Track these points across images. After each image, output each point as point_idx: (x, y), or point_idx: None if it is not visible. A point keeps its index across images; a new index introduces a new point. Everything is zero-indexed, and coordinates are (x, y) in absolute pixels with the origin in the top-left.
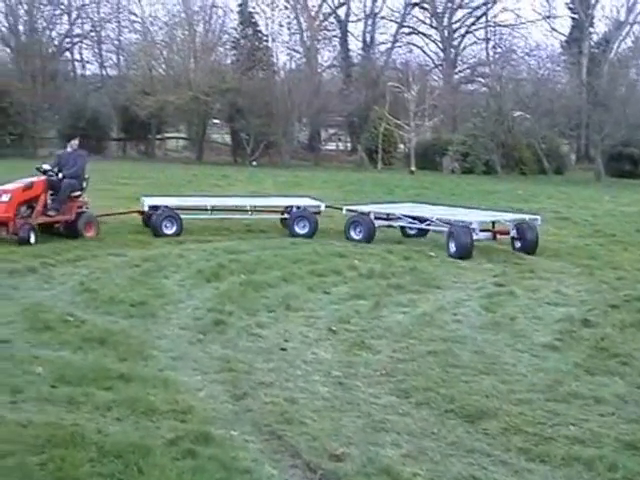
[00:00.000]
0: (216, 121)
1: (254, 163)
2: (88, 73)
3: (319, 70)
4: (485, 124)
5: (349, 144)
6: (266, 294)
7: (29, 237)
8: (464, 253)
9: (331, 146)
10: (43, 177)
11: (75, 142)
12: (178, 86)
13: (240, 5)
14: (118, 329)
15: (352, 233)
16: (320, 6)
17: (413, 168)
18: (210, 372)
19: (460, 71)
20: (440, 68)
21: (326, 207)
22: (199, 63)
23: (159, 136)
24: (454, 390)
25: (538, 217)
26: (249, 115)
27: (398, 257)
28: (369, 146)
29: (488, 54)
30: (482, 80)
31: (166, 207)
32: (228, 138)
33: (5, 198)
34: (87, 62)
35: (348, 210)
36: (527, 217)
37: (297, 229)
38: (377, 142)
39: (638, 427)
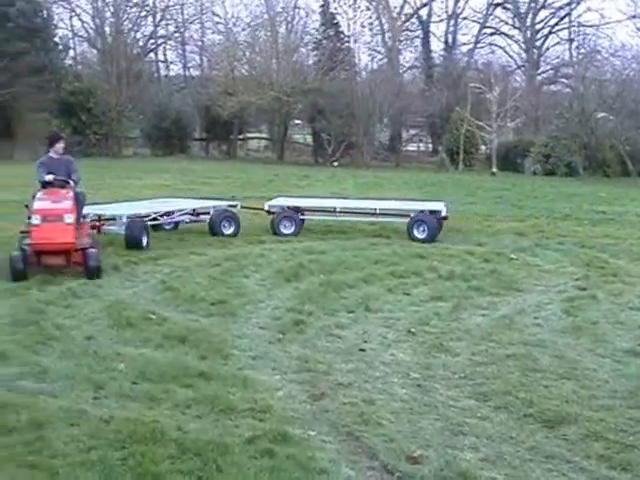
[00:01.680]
0: (297, 121)
1: (335, 163)
2: (172, 74)
3: (401, 71)
4: (568, 125)
5: (430, 145)
6: (345, 295)
7: (100, 266)
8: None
9: (412, 147)
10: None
11: (60, 145)
12: (260, 87)
13: (322, 6)
14: (198, 327)
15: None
16: (402, 7)
17: (494, 169)
18: (289, 372)
19: (543, 72)
20: (522, 69)
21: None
22: (281, 64)
23: (241, 136)
24: (533, 394)
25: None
26: (330, 115)
27: (478, 259)
28: (450, 147)
29: (571, 55)
30: (565, 81)
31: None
32: (309, 138)
33: (69, 219)
34: (171, 63)
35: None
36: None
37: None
38: (458, 143)
39: None
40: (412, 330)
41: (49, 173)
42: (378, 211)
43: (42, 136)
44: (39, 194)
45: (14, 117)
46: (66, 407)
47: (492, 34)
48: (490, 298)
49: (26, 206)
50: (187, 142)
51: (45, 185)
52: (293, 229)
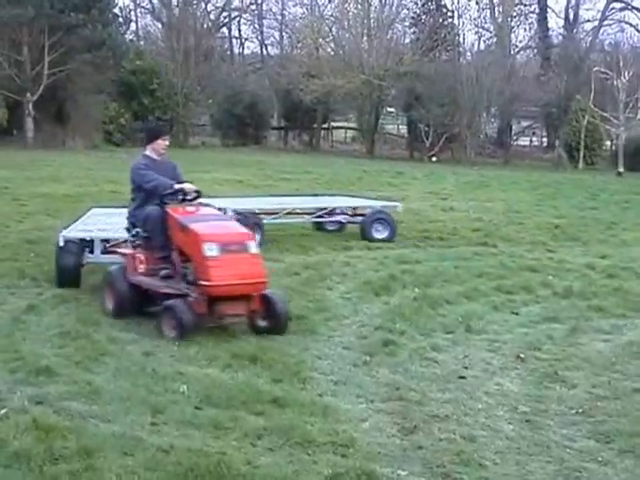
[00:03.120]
0: (391, 110)
1: (434, 159)
2: (247, 52)
3: (512, 52)
4: None
5: (545, 139)
6: (443, 312)
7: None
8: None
9: (524, 141)
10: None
11: (164, 143)
12: (348, 68)
13: None
14: (273, 346)
15: None
16: None
17: (621, 169)
18: (376, 400)
19: None
20: None
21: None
22: (373, 42)
23: (325, 125)
24: None
25: (397, 204)
26: (429, 103)
27: (601, 274)
28: (569, 142)
29: None
30: None
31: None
32: (404, 129)
33: (255, 249)
34: (246, 39)
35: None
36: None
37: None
38: (579, 138)
39: None
40: (521, 356)
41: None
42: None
43: (97, 121)
44: (177, 212)
45: (67, 99)
46: (120, 433)
47: (622, 9)
48: (614, 320)
49: (127, 229)
50: (263, 131)
51: (164, 199)
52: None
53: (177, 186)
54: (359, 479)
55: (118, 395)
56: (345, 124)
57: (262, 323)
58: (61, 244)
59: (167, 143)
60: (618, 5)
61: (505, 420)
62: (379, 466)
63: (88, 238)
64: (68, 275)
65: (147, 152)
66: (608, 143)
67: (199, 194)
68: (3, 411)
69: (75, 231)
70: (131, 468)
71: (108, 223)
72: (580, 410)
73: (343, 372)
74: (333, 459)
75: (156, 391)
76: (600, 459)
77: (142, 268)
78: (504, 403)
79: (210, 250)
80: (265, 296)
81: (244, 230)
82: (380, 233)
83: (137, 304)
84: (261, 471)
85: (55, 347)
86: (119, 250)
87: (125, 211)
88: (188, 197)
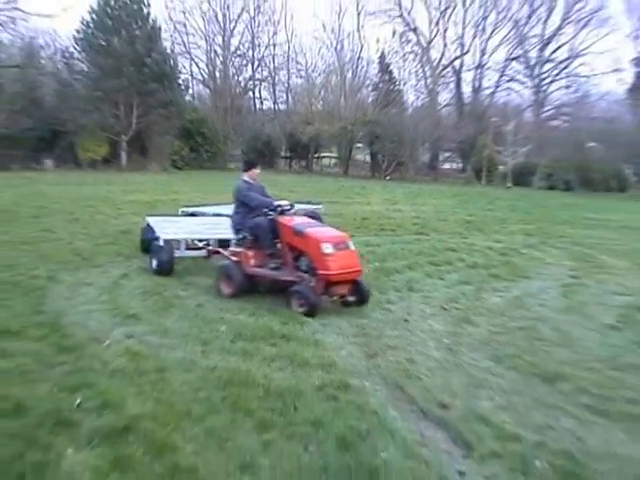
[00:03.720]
0: (359, 145)
1: (388, 177)
2: (265, 107)
3: (438, 107)
4: (565, 151)
5: (461, 164)
6: (394, 278)
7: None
8: None
9: (447, 166)
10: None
11: (256, 172)
12: (331, 118)
13: (380, 57)
14: (282, 302)
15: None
16: (440, 59)
17: (509, 184)
18: (350, 336)
19: (547, 110)
20: (531, 108)
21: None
22: (348, 101)
23: (316, 155)
24: (537, 358)
25: (320, 206)
26: (384, 140)
27: (496, 253)
28: (476, 166)
29: (569, 98)
30: (564, 118)
31: None
32: (368, 158)
33: (353, 246)
34: (264, 99)
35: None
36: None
37: None
38: (482, 163)
39: None
40: (445, 306)
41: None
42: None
43: (167, 153)
44: (289, 221)
45: (147, 139)
46: (181, 358)
47: (509, 81)
48: (505, 283)
49: (239, 238)
50: (275, 159)
51: (268, 212)
52: None
53: (276, 203)
54: (338, 387)
55: (180, 332)
56: (329, 154)
57: (351, 298)
58: (161, 244)
59: (259, 171)
60: (506, 78)
61: (434, 348)
62: (351, 379)
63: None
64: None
65: (245, 177)
66: (501, 167)
67: (292, 207)
68: (107, 342)
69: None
70: (189, 380)
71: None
72: (483, 342)
73: (328, 318)
74: (321, 374)
75: (205, 330)
76: (495, 373)
77: (252, 262)
78: (433, 337)
79: (327, 248)
80: (355, 280)
81: (343, 233)
82: None
83: (249, 288)
84: (274, 383)
85: (140, 301)
86: (226, 251)
87: (173, 218)
88: (286, 210)
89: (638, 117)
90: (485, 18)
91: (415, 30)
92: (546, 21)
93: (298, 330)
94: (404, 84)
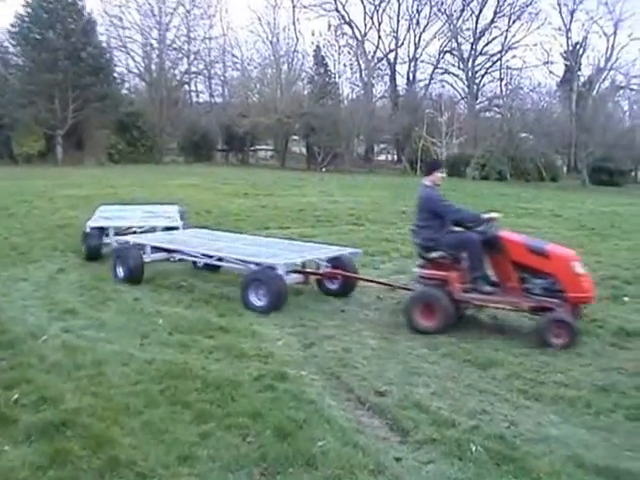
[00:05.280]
0: (295, 137)
1: (323, 169)
2: (200, 100)
3: (373, 100)
4: (498, 143)
5: (395, 156)
6: None
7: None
8: None
9: (382, 157)
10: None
11: (441, 176)
12: (267, 111)
13: (315, 50)
14: (219, 293)
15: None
16: (375, 52)
17: (444, 175)
18: (287, 326)
19: (480, 102)
20: (465, 100)
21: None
22: (283, 94)
23: (252, 148)
24: (472, 345)
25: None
26: (320, 133)
27: None
28: (410, 157)
29: (502, 90)
30: (497, 109)
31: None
32: (304, 150)
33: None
34: (200, 92)
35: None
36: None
37: None
38: (416, 154)
39: (608, 375)
40: (380, 296)
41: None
42: None
43: (103, 146)
44: (520, 238)
45: (84, 133)
46: (119, 351)
47: (442, 73)
48: None
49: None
50: (212, 152)
51: (473, 226)
52: None
53: (485, 216)
54: (276, 378)
55: (118, 326)
56: (265, 147)
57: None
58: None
59: (443, 175)
60: (440, 70)
61: (370, 337)
62: (289, 369)
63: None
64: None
65: (427, 182)
66: (435, 158)
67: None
68: (44, 338)
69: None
70: (127, 373)
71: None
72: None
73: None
74: (259, 365)
75: (142, 323)
76: (431, 360)
77: (460, 287)
78: (370, 327)
79: (578, 268)
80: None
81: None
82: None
83: (455, 319)
84: (212, 374)
85: (77, 295)
86: (364, 276)
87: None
88: (490, 224)
89: (568, 108)
90: (419, 12)
91: (350, 23)
92: (479, 15)
93: (236, 322)
94: (339, 77)
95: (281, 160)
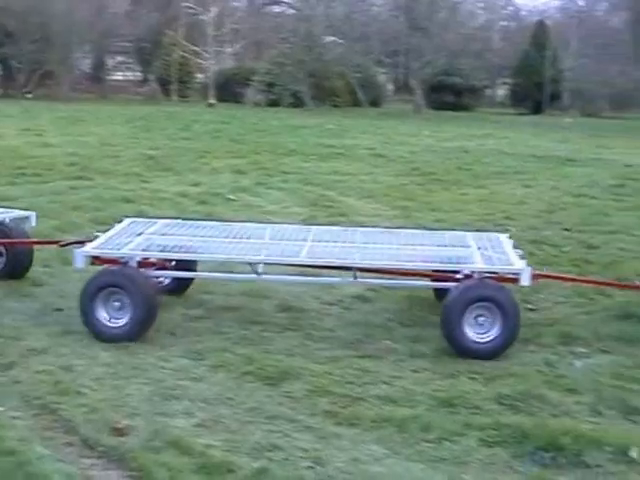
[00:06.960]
0: None
1: (29, 95)
2: None
3: None
4: (293, 51)
5: (139, 74)
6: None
7: None
8: None
9: (119, 76)
10: None
11: None
12: None
13: None
14: None
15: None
16: None
17: (212, 100)
18: None
19: None
20: None
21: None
22: None
23: None
24: (253, 349)
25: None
26: (21, 40)
27: (193, 201)
28: (162, 76)
29: None
30: (289, 1)
31: None
32: None
33: None
34: None
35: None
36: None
37: None
38: (171, 71)
39: (454, 382)
40: None
41: None
42: None
43: None
44: None
45: None
46: None
47: None
48: None
49: None
50: None
51: None
52: None
53: None
54: None
55: None
56: None
57: None
58: None
59: None
60: None
61: (102, 348)
62: None
63: None
64: None
65: None
66: (200, 76)
67: None
68: None
69: None
70: None
71: None
72: (174, 332)
73: None
74: None
75: None
76: (194, 376)
77: None
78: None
79: None
80: None
81: None
82: None
83: None
84: None
85: None
86: None
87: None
88: None
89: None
90: None
91: None
92: None
93: None
94: None
95: None
